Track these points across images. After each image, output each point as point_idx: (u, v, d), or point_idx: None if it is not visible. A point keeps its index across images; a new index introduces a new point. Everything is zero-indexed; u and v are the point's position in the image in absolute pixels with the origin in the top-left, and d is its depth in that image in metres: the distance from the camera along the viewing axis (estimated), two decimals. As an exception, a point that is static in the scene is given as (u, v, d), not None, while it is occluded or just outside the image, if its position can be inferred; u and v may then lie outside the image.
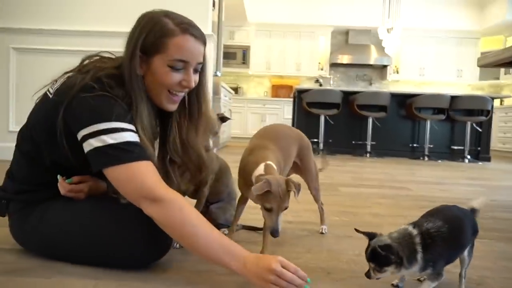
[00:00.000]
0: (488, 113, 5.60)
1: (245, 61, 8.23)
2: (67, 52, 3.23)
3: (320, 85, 8.13)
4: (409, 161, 5.32)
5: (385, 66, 8.36)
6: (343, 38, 8.54)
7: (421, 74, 8.28)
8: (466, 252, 0.96)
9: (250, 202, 1.27)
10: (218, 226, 1.43)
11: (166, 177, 1.15)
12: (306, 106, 5.69)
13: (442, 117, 5.60)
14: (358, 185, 2.92)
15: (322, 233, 1.51)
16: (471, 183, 3.28)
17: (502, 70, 7.95)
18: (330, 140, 5.80)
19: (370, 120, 5.69)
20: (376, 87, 8.42)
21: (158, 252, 1.06)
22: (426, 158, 5.62)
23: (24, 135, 1.10)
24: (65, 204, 1.08)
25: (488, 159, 5.72)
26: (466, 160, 5.55)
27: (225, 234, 1.30)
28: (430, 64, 8.23)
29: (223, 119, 1.32)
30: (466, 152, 5.60)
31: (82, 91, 0.97)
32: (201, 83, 1.13)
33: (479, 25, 8.03)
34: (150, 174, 0.96)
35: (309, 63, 8.31)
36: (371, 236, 0.87)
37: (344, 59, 8.17)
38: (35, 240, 1.10)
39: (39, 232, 1.08)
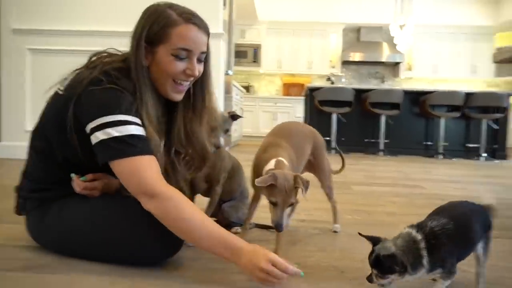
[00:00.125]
0: (505, 110, 5.49)
1: (256, 59, 8.21)
2: (82, 52, 3.20)
3: (332, 83, 8.07)
4: (423, 159, 5.25)
5: (397, 63, 8.26)
6: (355, 35, 8.46)
7: (435, 71, 8.15)
8: (480, 249, 0.94)
9: (263, 201, 1.27)
10: (231, 224, 1.43)
11: (172, 168, 1.19)
12: (318, 104, 5.65)
13: (457, 114, 5.51)
14: (371, 183, 2.90)
15: (335, 231, 1.50)
16: (487, 181, 3.22)
17: (519, 66, 7.78)
18: (343, 139, 5.76)
19: (382, 118, 5.63)
20: (388, 84, 8.32)
21: (171, 250, 1.07)
22: (440, 156, 5.54)
23: (37, 134, 1.12)
24: (80, 202, 1.09)
25: (504, 157, 5.61)
26: (482, 158, 5.45)
27: (238, 233, 1.31)
28: (443, 61, 8.10)
29: (234, 117, 1.32)
30: (482, 150, 5.50)
31: (91, 85, 1.00)
32: (205, 74, 1.16)
33: (493, 21, 7.86)
34: (151, 169, 0.98)
35: (320, 61, 8.25)
36: (375, 241, 0.86)
37: (356, 56, 8.10)
38: (51, 237, 1.12)
39: (55, 230, 1.10)
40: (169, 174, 1.23)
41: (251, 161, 1.25)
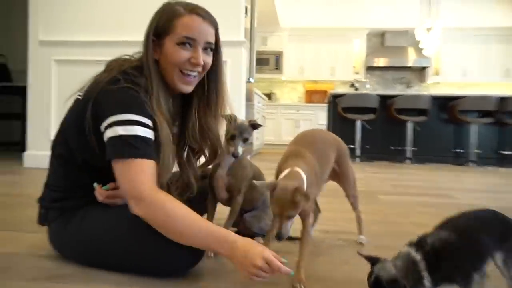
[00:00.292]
0: (541, 115, 5.27)
1: (278, 66, 8.23)
2: (106, 62, 3.35)
3: (356, 89, 7.98)
4: (453, 168, 5.09)
5: (424, 68, 8.10)
6: (379, 40, 8.36)
7: (464, 75, 7.93)
8: (499, 262, 0.87)
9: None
10: (253, 235, 1.41)
11: (187, 162, 1.27)
12: (342, 111, 5.60)
13: (490, 120, 5.33)
14: (398, 193, 2.83)
15: (360, 243, 1.46)
16: (523, 191, 3.08)
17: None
18: (367, 146, 5.67)
19: (409, 125, 5.51)
20: (415, 90, 8.15)
21: (192, 260, 1.07)
22: (471, 164, 5.36)
23: (58, 140, 1.17)
24: (102, 211, 1.11)
25: (542, 165, 5.37)
26: (517, 166, 5.24)
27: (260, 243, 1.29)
28: (473, 64, 7.88)
29: (254, 126, 1.31)
30: (517, 157, 5.29)
31: (108, 84, 1.04)
32: (217, 66, 1.21)
33: (528, 21, 7.61)
34: (145, 174, 0.99)
35: (343, 67, 8.19)
36: (373, 261, 0.83)
37: (380, 62, 8.00)
38: (72, 247, 1.13)
39: (77, 239, 1.11)
40: (183, 170, 1.29)
41: (273, 170, 1.23)
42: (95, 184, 1.12)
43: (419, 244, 0.84)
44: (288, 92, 8.72)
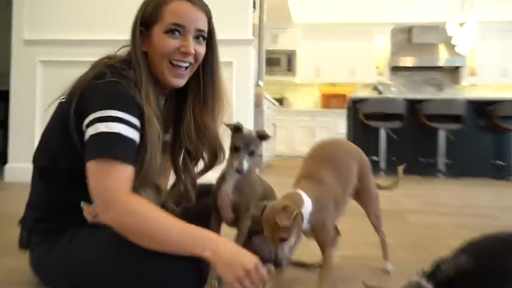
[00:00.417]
0: None
1: (290, 67, 8.27)
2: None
3: (380, 93, 7.97)
4: (493, 182, 5.03)
5: (457, 68, 8.07)
6: (405, 36, 8.36)
7: (504, 76, 7.88)
8: None
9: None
10: (262, 260, 1.40)
11: (184, 167, 1.30)
12: (363, 118, 5.59)
13: (535, 127, 5.27)
14: (429, 211, 2.80)
15: (385, 271, 1.44)
16: None
17: None
18: (393, 158, 5.61)
19: (441, 133, 5.47)
20: (447, 93, 8.11)
21: (200, 280, 1.07)
22: (514, 179, 5.29)
23: (39, 151, 1.18)
24: (91, 233, 1.10)
25: None
26: None
27: (271, 270, 1.28)
28: (515, 63, 7.83)
29: (262, 137, 1.30)
30: None
31: (94, 79, 1.07)
32: (212, 58, 1.24)
33: None
34: (121, 180, 1.00)
35: (365, 67, 8.21)
36: None
37: (407, 61, 7.99)
38: (58, 273, 1.13)
39: (63, 265, 1.11)
40: (179, 176, 1.31)
41: (285, 186, 1.23)
42: (82, 203, 1.12)
43: (433, 272, 0.83)
44: (302, 97, 8.74)
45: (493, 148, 5.63)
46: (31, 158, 1.20)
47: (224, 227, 1.37)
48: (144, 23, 1.15)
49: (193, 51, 1.15)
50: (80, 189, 1.11)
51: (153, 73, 1.16)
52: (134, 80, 1.09)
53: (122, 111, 1.03)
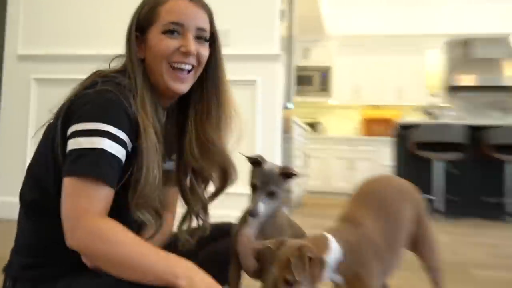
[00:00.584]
0: None
1: (325, 87, 8.30)
2: None
3: (433, 117, 7.86)
4: None
5: (528, 88, 7.94)
6: (462, 51, 8.31)
7: None
8: None
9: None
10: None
11: (191, 191, 1.33)
12: (414, 147, 5.54)
13: None
14: (499, 265, 2.73)
15: None
16: None
17: None
18: (452, 197, 5.52)
19: (510, 167, 5.40)
20: (517, 118, 7.96)
21: None
22: None
23: (26, 185, 1.21)
24: (91, 281, 1.10)
25: None
26: None
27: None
28: None
29: (286, 175, 1.28)
30: None
31: (85, 89, 1.13)
32: (216, 64, 1.30)
33: None
34: (96, 202, 1.03)
35: (415, 87, 8.18)
36: None
37: (466, 80, 7.93)
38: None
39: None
40: (188, 202, 1.34)
41: (319, 229, 1.22)
42: None
43: None
44: (339, 121, 8.73)
45: None
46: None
47: (245, 278, 1.35)
48: (140, 27, 1.22)
49: (194, 51, 1.20)
50: None
51: (152, 81, 1.22)
52: (128, 86, 1.14)
53: (109, 124, 1.06)
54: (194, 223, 1.36)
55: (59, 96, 1.20)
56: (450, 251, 2.97)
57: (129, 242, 1.02)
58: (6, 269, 1.20)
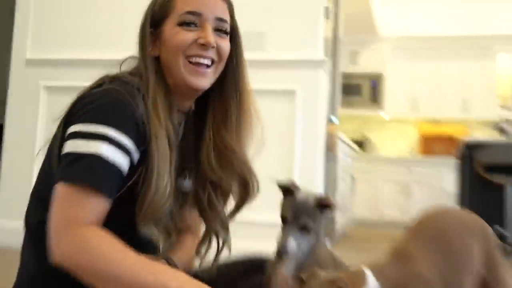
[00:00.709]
0: None
1: (376, 97, 8.27)
2: None
3: (506, 134, 7.71)
4: None
5: None
6: (542, 55, 8.16)
7: None
8: None
9: None
10: None
11: (209, 205, 1.35)
12: (483, 170, 5.42)
13: None
14: None
15: None
16: None
17: None
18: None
19: None
20: None
21: None
22: None
23: (31, 206, 1.26)
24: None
25: None
26: None
27: None
28: None
29: (324, 206, 1.27)
30: None
31: (92, 89, 1.19)
32: (236, 62, 1.33)
33: None
34: (89, 212, 1.06)
35: (483, 98, 8.11)
36: None
37: (547, 90, 7.75)
38: None
39: None
40: (206, 219, 1.37)
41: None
42: None
43: None
44: (393, 139, 8.69)
45: None
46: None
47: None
48: (154, 21, 1.26)
49: (213, 43, 1.23)
50: None
51: (168, 80, 1.26)
52: (137, 85, 1.18)
53: (113, 127, 1.09)
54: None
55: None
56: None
57: (121, 257, 1.03)
58: None
